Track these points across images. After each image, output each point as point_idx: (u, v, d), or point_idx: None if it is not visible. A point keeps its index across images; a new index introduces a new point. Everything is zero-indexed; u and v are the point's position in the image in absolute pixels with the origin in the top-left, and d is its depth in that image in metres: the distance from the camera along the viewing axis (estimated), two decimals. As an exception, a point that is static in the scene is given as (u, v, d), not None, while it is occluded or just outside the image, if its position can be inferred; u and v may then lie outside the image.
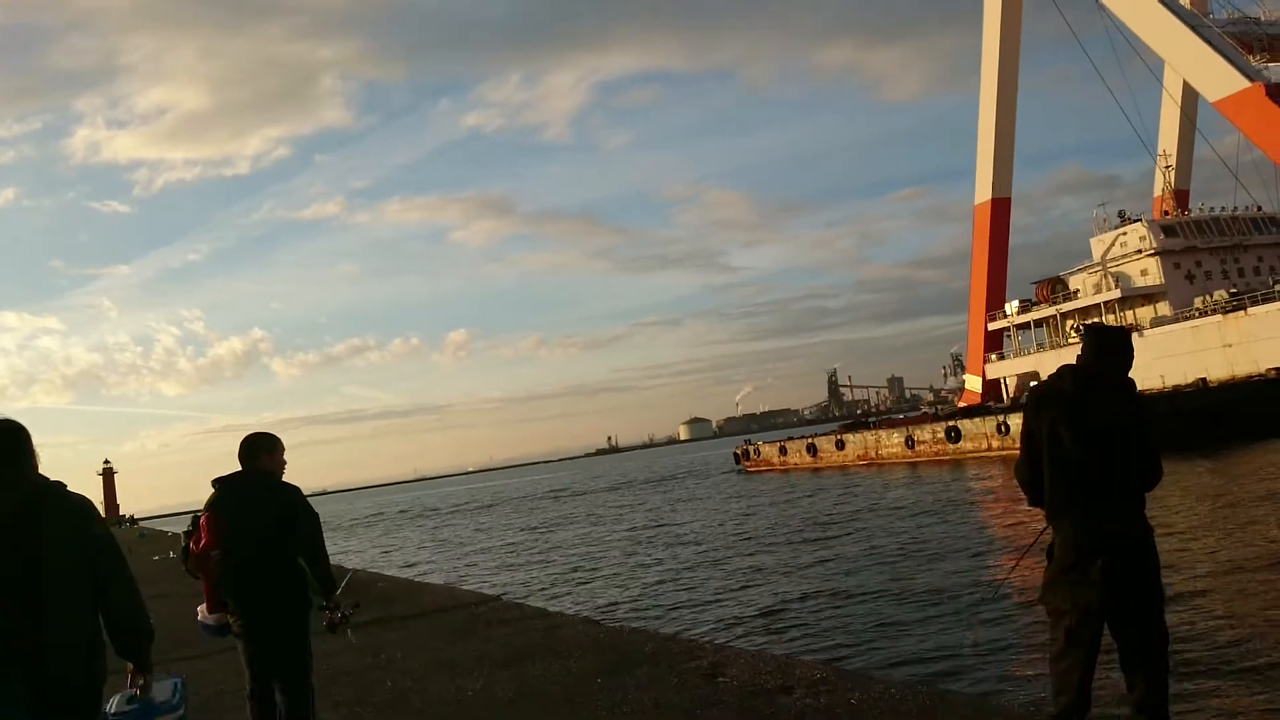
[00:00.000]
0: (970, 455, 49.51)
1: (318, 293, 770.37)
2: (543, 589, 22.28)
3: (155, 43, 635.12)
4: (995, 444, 47.69)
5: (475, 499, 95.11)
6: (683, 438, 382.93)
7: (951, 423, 51.16)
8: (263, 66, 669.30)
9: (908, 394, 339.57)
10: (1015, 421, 46.67)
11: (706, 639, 10.96)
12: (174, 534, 54.94)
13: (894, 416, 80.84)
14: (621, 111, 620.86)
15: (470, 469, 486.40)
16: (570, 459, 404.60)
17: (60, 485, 3.65)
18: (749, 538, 27.65)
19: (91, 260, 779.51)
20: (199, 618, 5.45)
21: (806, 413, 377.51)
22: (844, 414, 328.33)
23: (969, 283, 75.11)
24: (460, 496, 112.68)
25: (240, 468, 5.47)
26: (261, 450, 5.53)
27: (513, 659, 7.53)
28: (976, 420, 49.80)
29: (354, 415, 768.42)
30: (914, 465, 52.15)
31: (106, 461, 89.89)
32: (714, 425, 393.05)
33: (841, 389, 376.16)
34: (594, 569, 24.82)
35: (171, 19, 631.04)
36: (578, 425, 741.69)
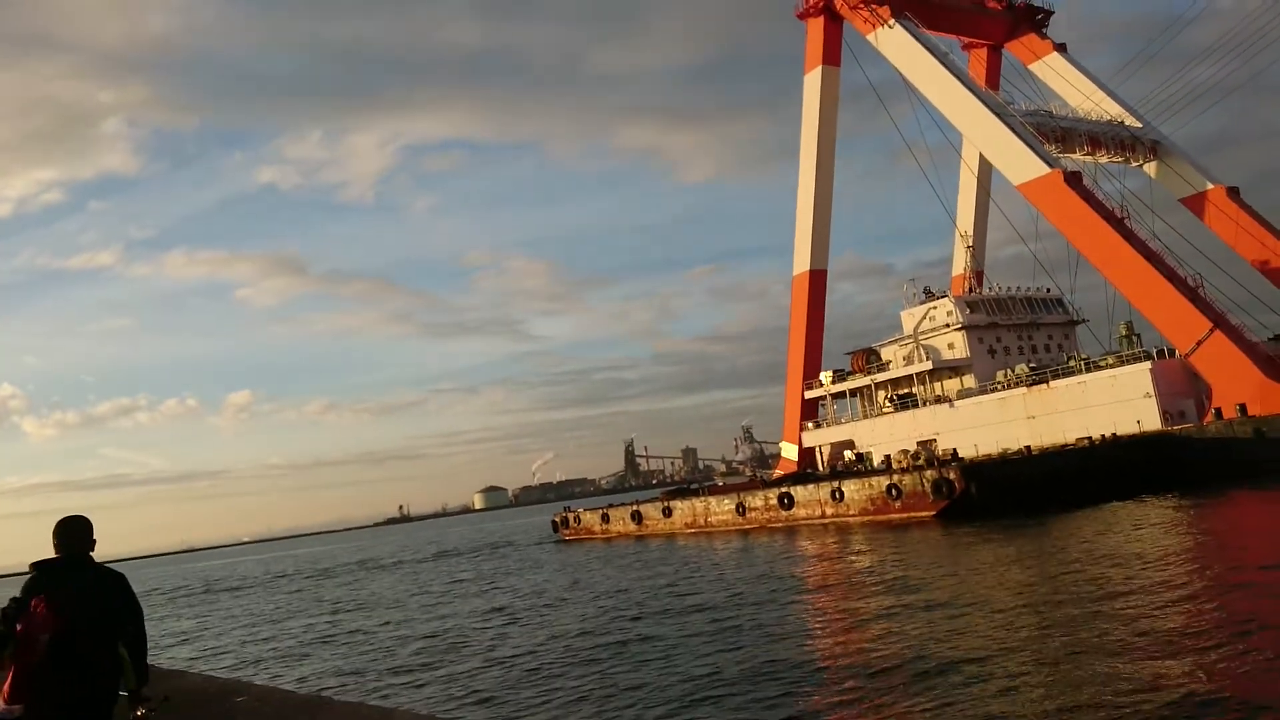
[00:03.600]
0: (804, 522, 48.77)
1: (83, 347, 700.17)
2: (474, 697, 16.66)
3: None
4: (830, 511, 47.13)
5: (263, 572, 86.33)
6: (477, 506, 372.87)
7: (785, 489, 50.30)
8: (34, 104, 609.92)
9: (701, 464, 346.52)
10: (850, 489, 46.38)
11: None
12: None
13: (716, 484, 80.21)
14: (424, 175, 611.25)
15: (246, 539, 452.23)
16: (359, 528, 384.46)
17: None
18: (621, 619, 24.81)
19: None
20: None
21: (604, 482, 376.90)
22: (640, 483, 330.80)
23: (786, 353, 76.05)
24: (244, 570, 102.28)
25: (58, 551, 5.45)
26: (91, 535, 5.57)
27: None
28: (810, 487, 49.18)
29: (117, 480, 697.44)
30: (746, 533, 50.84)
31: None
32: (510, 494, 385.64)
33: (638, 459, 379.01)
34: (504, 668, 19.61)
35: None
36: (366, 493, 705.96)
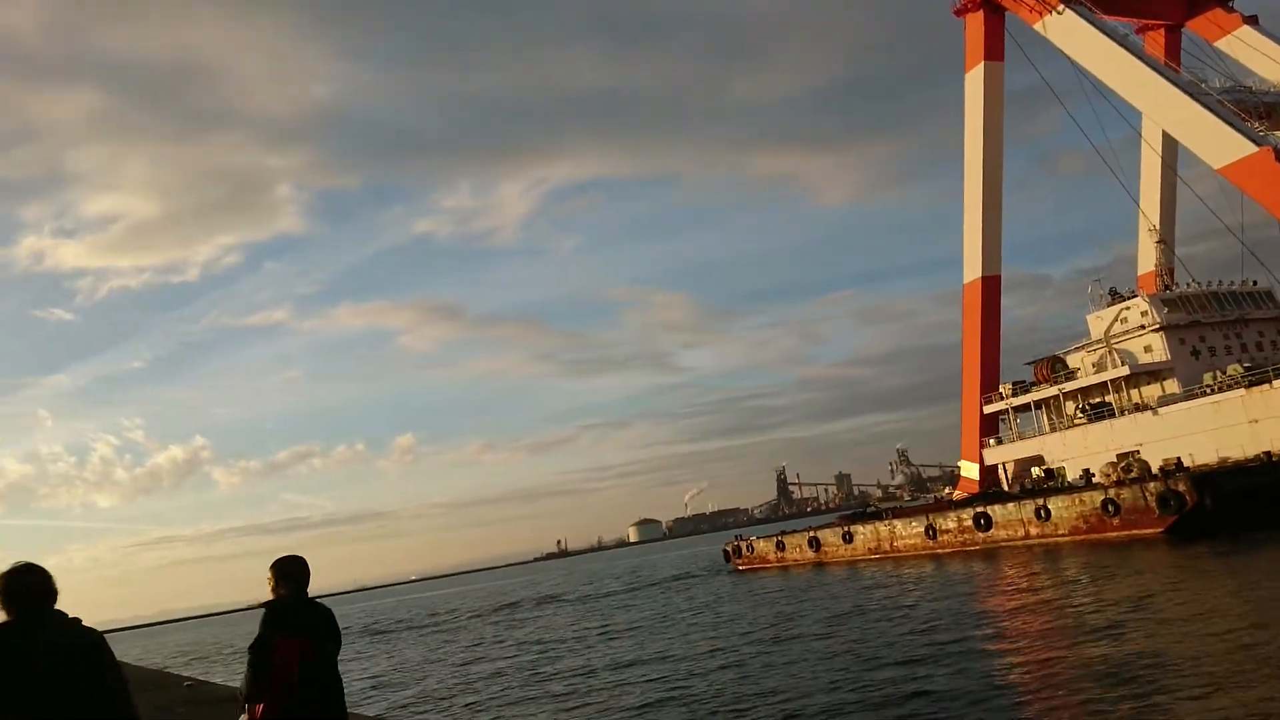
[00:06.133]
0: (1004, 544, 45.16)
1: (262, 399, 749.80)
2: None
3: (106, 153, 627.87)
4: (1034, 531, 43.40)
5: (448, 608, 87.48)
6: (632, 539, 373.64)
7: (980, 509, 46.82)
8: (216, 175, 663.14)
9: (856, 490, 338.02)
10: (1058, 506, 42.65)
11: None
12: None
13: (900, 506, 76.12)
14: (568, 217, 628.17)
15: (414, 577, 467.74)
16: (520, 564, 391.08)
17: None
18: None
19: (29, 369, 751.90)
20: None
21: (757, 511, 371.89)
22: (794, 511, 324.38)
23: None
24: (424, 606, 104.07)
25: (284, 589, 5.65)
26: (309, 572, 5.76)
27: None
28: (1010, 506, 45.54)
29: (295, 524, 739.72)
30: (938, 557, 47.58)
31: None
32: (664, 526, 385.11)
33: (790, 487, 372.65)
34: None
35: (123, 129, 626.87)
36: (524, 529, 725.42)
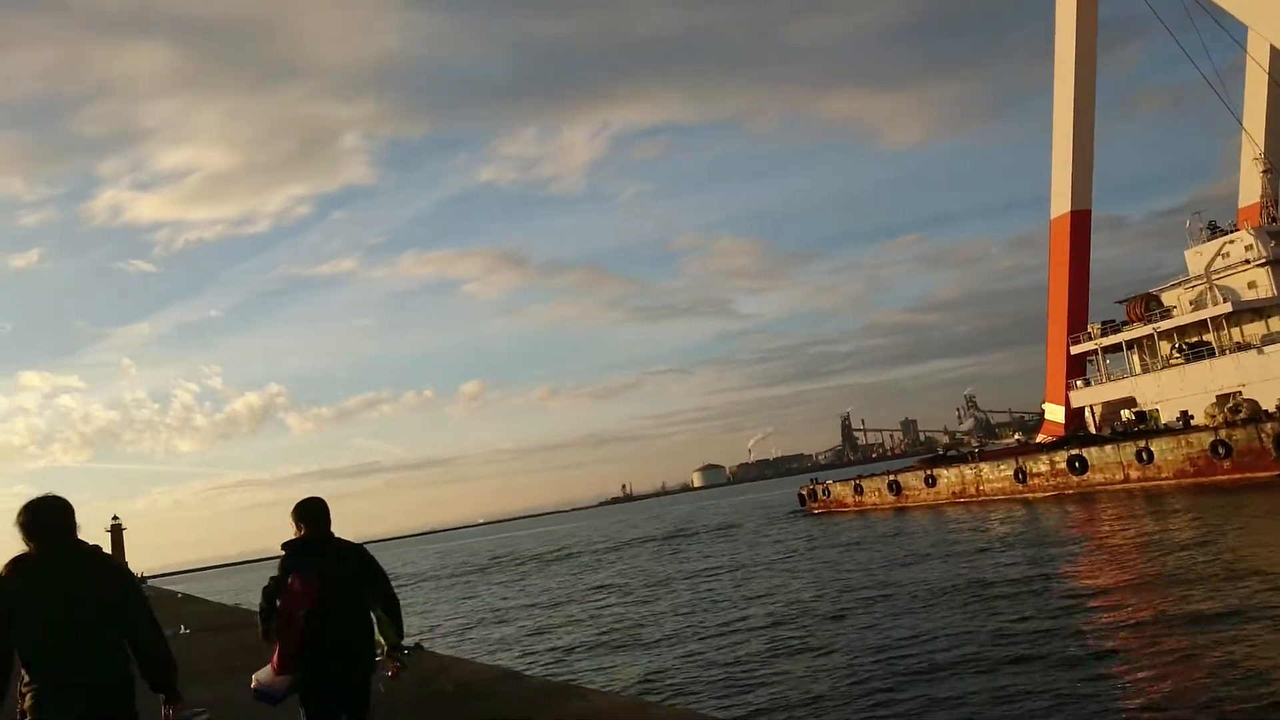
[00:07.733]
0: (1100, 488, 43.28)
1: (334, 347, 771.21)
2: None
3: (179, 107, 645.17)
4: (1134, 474, 41.40)
5: (520, 550, 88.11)
6: (696, 485, 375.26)
7: (1074, 451, 44.90)
8: (286, 127, 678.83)
9: (922, 436, 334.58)
10: (1161, 448, 40.60)
11: None
12: (182, 595, 48.69)
13: (978, 449, 73.35)
14: (632, 163, 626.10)
15: (481, 520, 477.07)
16: (584, 508, 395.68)
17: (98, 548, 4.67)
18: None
19: (112, 319, 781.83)
20: (256, 684, 5.37)
21: (821, 457, 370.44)
22: (859, 458, 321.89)
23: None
24: (491, 549, 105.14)
25: (302, 530, 5.59)
26: (329, 513, 5.73)
27: None
28: (1108, 448, 43.55)
29: (367, 468, 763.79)
30: (1028, 502, 45.86)
31: (115, 518, 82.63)
32: (728, 472, 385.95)
33: (855, 433, 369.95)
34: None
35: (195, 84, 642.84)
36: (589, 474, 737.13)
